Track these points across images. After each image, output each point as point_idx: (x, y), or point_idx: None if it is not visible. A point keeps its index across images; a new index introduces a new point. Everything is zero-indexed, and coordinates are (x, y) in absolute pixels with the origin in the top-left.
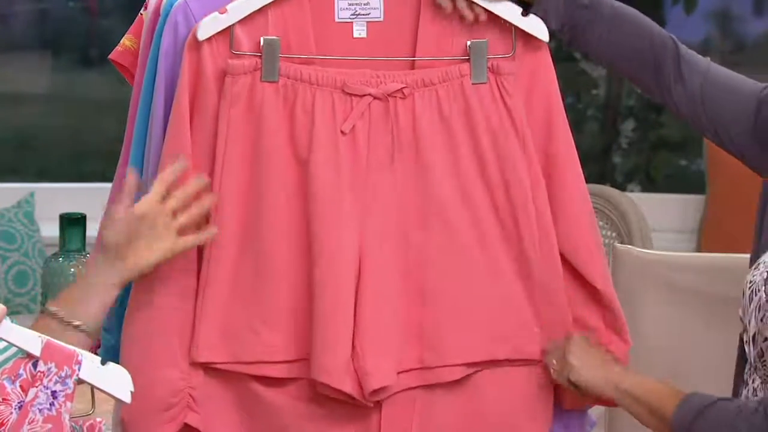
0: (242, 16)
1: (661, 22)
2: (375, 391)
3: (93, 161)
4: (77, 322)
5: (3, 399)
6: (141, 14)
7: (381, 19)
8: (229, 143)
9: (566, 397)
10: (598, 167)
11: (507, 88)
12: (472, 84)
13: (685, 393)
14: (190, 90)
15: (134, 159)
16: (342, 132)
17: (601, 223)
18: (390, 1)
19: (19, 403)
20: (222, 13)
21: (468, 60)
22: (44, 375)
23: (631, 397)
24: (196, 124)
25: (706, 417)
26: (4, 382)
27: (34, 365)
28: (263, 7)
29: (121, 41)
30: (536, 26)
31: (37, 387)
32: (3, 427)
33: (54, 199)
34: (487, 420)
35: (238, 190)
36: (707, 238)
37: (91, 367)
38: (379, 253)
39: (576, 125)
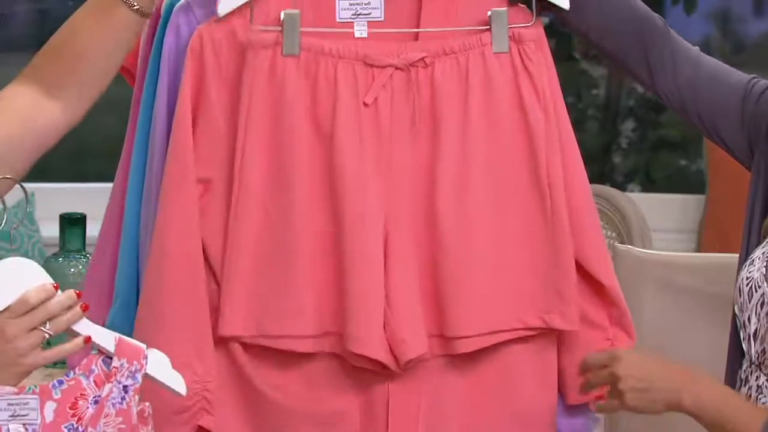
0: None
1: None
2: (409, 360)
3: (93, 161)
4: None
5: (81, 394)
6: None
7: (382, 18)
8: (251, 116)
9: (571, 392)
10: (598, 167)
11: (530, 56)
12: (494, 53)
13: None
14: (194, 89)
15: (136, 159)
16: (364, 103)
17: (601, 223)
18: (391, 2)
19: (94, 398)
20: None
21: (489, 29)
22: (118, 371)
23: (700, 418)
24: (208, 109)
25: None
26: (80, 378)
27: (105, 361)
28: (265, 9)
29: None
30: None
31: (112, 382)
32: (80, 422)
33: (54, 199)
34: (497, 391)
35: (261, 164)
36: (707, 238)
37: (155, 360)
38: (403, 223)
39: (576, 125)
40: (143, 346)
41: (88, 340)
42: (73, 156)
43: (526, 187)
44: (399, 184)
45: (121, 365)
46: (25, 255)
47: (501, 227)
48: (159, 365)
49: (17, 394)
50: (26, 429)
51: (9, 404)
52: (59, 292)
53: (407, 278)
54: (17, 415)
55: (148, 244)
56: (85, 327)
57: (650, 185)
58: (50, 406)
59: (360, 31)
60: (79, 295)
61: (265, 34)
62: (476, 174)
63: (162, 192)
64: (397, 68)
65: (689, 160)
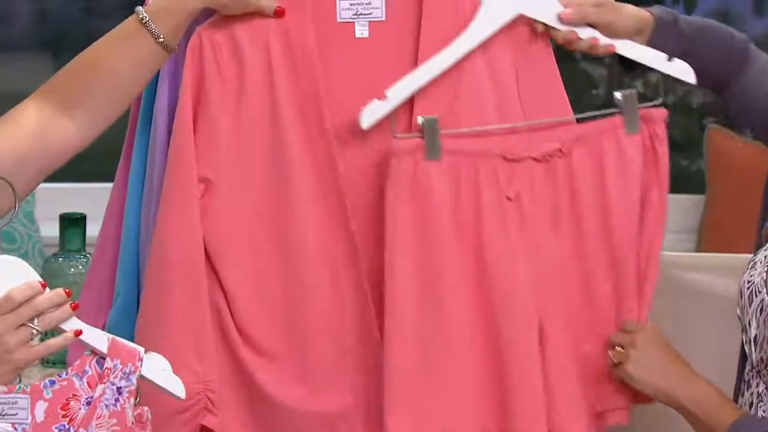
0: (402, 101)
1: None
2: None
3: (93, 161)
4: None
5: (72, 395)
6: None
7: (383, 18)
8: (398, 224)
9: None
10: None
11: (659, 135)
12: (627, 135)
13: (738, 414)
14: (194, 90)
15: (137, 159)
16: (508, 198)
17: None
18: (392, 2)
19: (87, 399)
20: (381, 100)
21: (620, 112)
22: (111, 371)
23: (683, 409)
24: (208, 109)
25: None
26: (73, 378)
27: (99, 362)
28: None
29: None
30: (683, 70)
31: (104, 383)
32: (72, 423)
33: (54, 199)
34: None
35: (409, 264)
36: (707, 238)
37: (151, 363)
38: (554, 317)
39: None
40: (140, 348)
41: (78, 333)
42: (75, 156)
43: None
44: (547, 274)
45: (115, 366)
46: (25, 255)
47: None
48: (156, 368)
49: (6, 393)
50: (15, 428)
51: (1, 403)
52: (47, 289)
53: (566, 367)
54: (6, 414)
55: (148, 243)
56: (76, 326)
57: None
58: (41, 406)
59: (361, 31)
60: (68, 294)
61: (406, 141)
62: (619, 262)
63: (163, 191)
64: (535, 160)
65: (689, 160)
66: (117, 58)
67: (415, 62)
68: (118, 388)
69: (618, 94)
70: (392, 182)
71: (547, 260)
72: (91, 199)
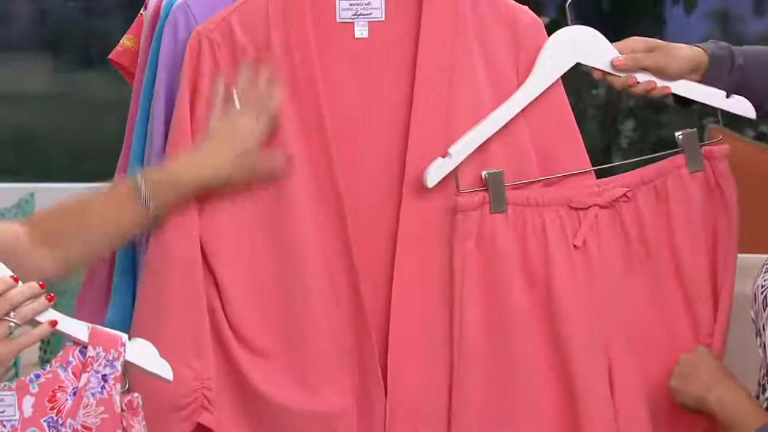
0: (465, 157)
1: (661, 22)
2: None
3: (93, 161)
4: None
5: (59, 386)
6: (141, 14)
7: (382, 19)
8: (466, 277)
9: None
10: (596, 164)
11: (723, 171)
12: (690, 174)
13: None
14: (192, 89)
15: (134, 159)
16: (575, 246)
17: None
18: (392, 2)
19: (73, 389)
20: (444, 157)
21: (682, 151)
22: (94, 360)
23: (714, 413)
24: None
25: None
26: (58, 370)
27: (81, 352)
28: (264, 9)
29: (121, 41)
30: (743, 106)
31: (88, 372)
32: (60, 414)
33: (54, 199)
34: None
35: (482, 321)
36: None
37: (135, 348)
38: (627, 362)
39: (577, 125)
40: (121, 334)
41: (53, 324)
42: (74, 156)
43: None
44: (619, 319)
45: (98, 354)
46: None
47: None
48: (141, 353)
49: None
50: (4, 426)
51: None
52: (20, 283)
53: (637, 412)
54: None
55: (145, 243)
56: (53, 317)
57: None
58: (28, 401)
59: (360, 31)
60: (42, 286)
61: (471, 196)
62: (697, 292)
63: None
64: (601, 207)
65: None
66: (107, 218)
67: (414, 62)
68: (103, 376)
69: (679, 134)
70: (459, 236)
71: (618, 305)
72: None
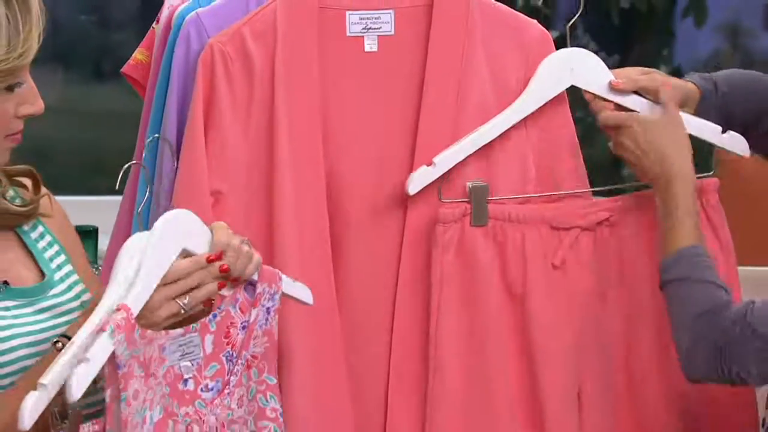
0: (449, 168)
1: (671, 36)
2: None
3: (106, 174)
4: None
5: (231, 323)
6: (153, 28)
7: (392, 33)
8: (444, 288)
9: None
10: (607, 179)
11: (712, 205)
12: None
13: (692, 242)
14: (205, 101)
15: (144, 172)
16: (553, 265)
17: None
18: (401, 17)
19: (242, 323)
20: (429, 166)
21: None
22: (261, 296)
23: (669, 195)
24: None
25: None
26: (229, 308)
27: (247, 289)
28: (273, 21)
29: (134, 55)
30: (739, 143)
31: (258, 307)
32: (234, 348)
33: (66, 211)
34: None
35: (458, 331)
36: None
37: (286, 281)
38: (596, 382)
39: (586, 138)
40: (276, 270)
41: (222, 285)
42: (87, 169)
43: None
44: (595, 345)
45: (263, 290)
46: None
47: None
48: (289, 284)
49: (184, 335)
50: (192, 364)
51: (179, 345)
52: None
53: (602, 422)
54: (186, 354)
55: None
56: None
57: None
58: (209, 339)
59: (370, 45)
60: (222, 269)
61: (453, 207)
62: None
63: (174, 203)
64: (583, 229)
65: (698, 173)
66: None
67: (423, 76)
68: (267, 309)
69: None
70: (438, 247)
71: (593, 327)
72: (104, 212)
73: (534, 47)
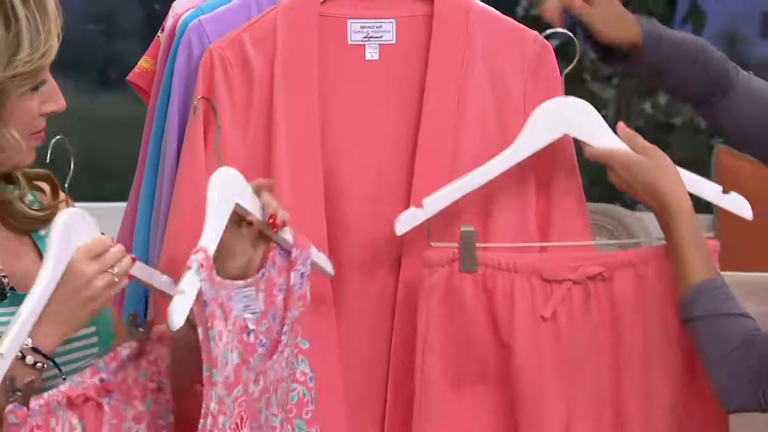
0: (438, 210)
1: None
2: None
3: (112, 181)
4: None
5: (273, 283)
6: (158, 37)
7: (393, 42)
8: (429, 332)
9: None
10: (607, 187)
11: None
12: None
13: (710, 274)
14: (205, 111)
15: (148, 177)
16: (543, 317)
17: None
18: (403, 26)
19: (280, 286)
20: (418, 208)
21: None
22: (297, 261)
23: (670, 218)
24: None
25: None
26: (270, 269)
27: (281, 254)
28: (273, 27)
29: (139, 63)
30: (739, 204)
31: (295, 271)
32: (275, 308)
33: None
34: None
35: (443, 377)
36: (717, 257)
37: (313, 249)
38: (587, 427)
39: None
40: (304, 238)
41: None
42: (93, 176)
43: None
44: (580, 393)
45: (298, 255)
46: None
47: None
48: (315, 253)
49: (244, 287)
50: (253, 316)
51: (243, 297)
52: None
53: None
54: (248, 306)
55: (157, 259)
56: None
57: None
58: (260, 297)
59: (371, 53)
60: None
61: (441, 252)
62: (658, 378)
63: (173, 207)
64: (574, 282)
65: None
66: None
67: (423, 85)
68: (302, 274)
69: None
70: (425, 291)
71: (580, 379)
72: (110, 218)
73: (534, 58)
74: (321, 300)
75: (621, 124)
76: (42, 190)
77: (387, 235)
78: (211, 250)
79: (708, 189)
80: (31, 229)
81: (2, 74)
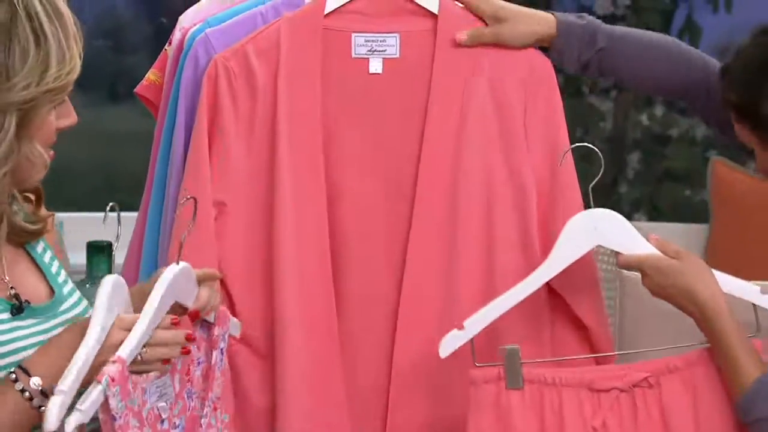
0: (480, 330)
1: None
2: None
3: (120, 192)
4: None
5: (191, 360)
6: (165, 50)
7: (397, 56)
8: None
9: None
10: (605, 197)
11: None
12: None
13: (757, 374)
14: (210, 115)
15: (156, 187)
16: (594, 429)
17: (607, 251)
18: (407, 40)
19: (197, 360)
20: (460, 330)
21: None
22: (219, 338)
23: (711, 321)
24: (223, 134)
25: None
26: (191, 346)
27: (203, 327)
28: (276, 39)
29: (146, 75)
30: None
31: (217, 350)
32: (193, 385)
33: (81, 227)
34: None
35: None
36: (711, 266)
37: (232, 320)
38: None
39: (584, 157)
40: (225, 309)
41: (185, 351)
42: (102, 187)
43: None
44: None
45: (219, 333)
46: None
47: None
48: (234, 324)
49: (159, 377)
50: (167, 404)
51: (157, 387)
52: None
53: None
54: (162, 395)
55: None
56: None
57: (656, 214)
58: (177, 378)
59: (375, 67)
60: (188, 338)
61: (487, 370)
62: None
63: (177, 211)
64: (621, 390)
65: (693, 190)
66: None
67: (427, 99)
68: (221, 350)
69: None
70: (473, 410)
71: None
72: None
73: (535, 74)
74: (324, 307)
75: (651, 236)
76: (30, 201)
77: (388, 246)
78: (131, 359)
79: (747, 289)
80: (26, 241)
81: (36, 90)
